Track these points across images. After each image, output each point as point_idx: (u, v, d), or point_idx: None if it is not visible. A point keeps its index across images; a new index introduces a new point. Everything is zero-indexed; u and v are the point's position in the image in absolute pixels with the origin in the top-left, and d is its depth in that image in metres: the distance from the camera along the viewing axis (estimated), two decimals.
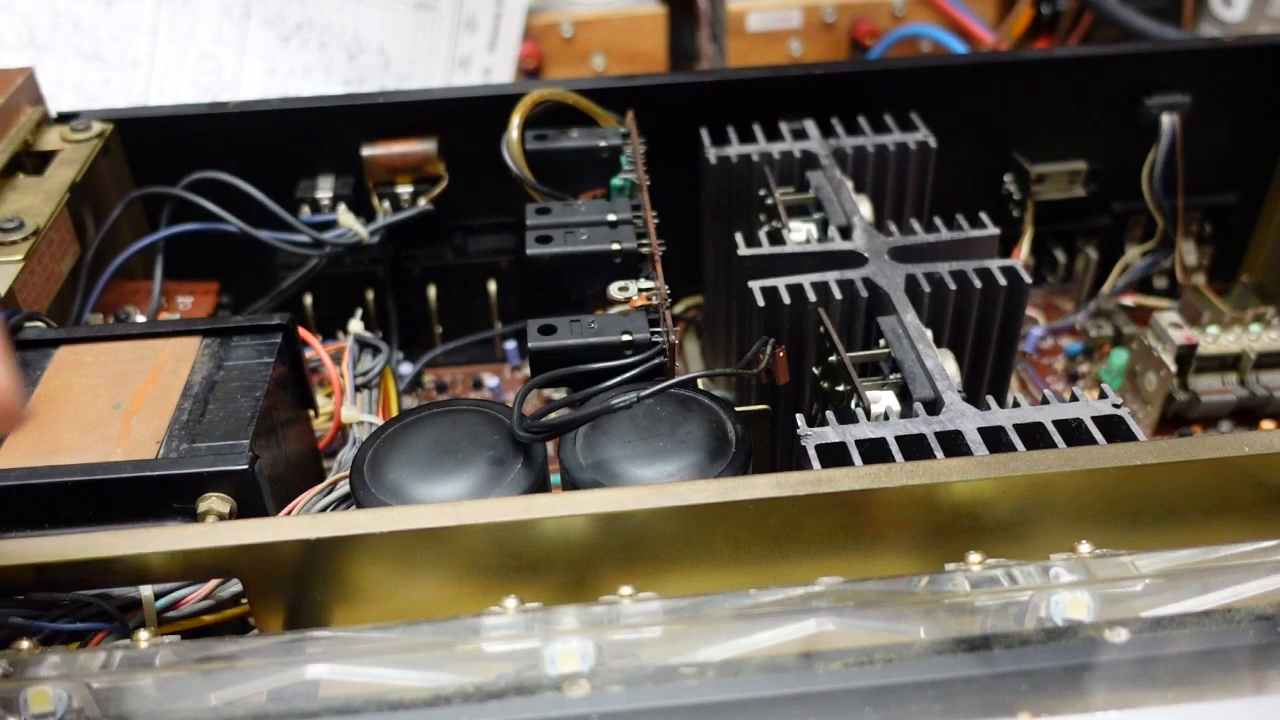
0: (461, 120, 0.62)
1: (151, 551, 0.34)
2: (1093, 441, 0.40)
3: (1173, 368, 0.60)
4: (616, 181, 0.54)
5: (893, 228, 0.52)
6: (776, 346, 0.43)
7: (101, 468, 0.40)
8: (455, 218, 0.66)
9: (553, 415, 0.42)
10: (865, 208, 0.55)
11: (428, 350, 0.69)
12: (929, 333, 0.47)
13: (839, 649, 0.32)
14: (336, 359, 0.55)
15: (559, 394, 0.56)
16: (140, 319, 0.59)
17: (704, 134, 0.59)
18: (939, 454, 0.39)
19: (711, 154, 0.58)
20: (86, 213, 0.58)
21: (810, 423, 0.41)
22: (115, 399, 0.44)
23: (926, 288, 0.48)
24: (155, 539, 0.35)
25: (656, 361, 0.43)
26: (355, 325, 0.61)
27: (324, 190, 0.63)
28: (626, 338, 0.44)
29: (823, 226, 0.54)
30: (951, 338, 0.50)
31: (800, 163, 0.58)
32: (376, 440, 0.42)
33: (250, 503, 0.41)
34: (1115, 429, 0.40)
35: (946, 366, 0.44)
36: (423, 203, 0.64)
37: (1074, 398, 0.42)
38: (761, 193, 0.57)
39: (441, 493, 0.39)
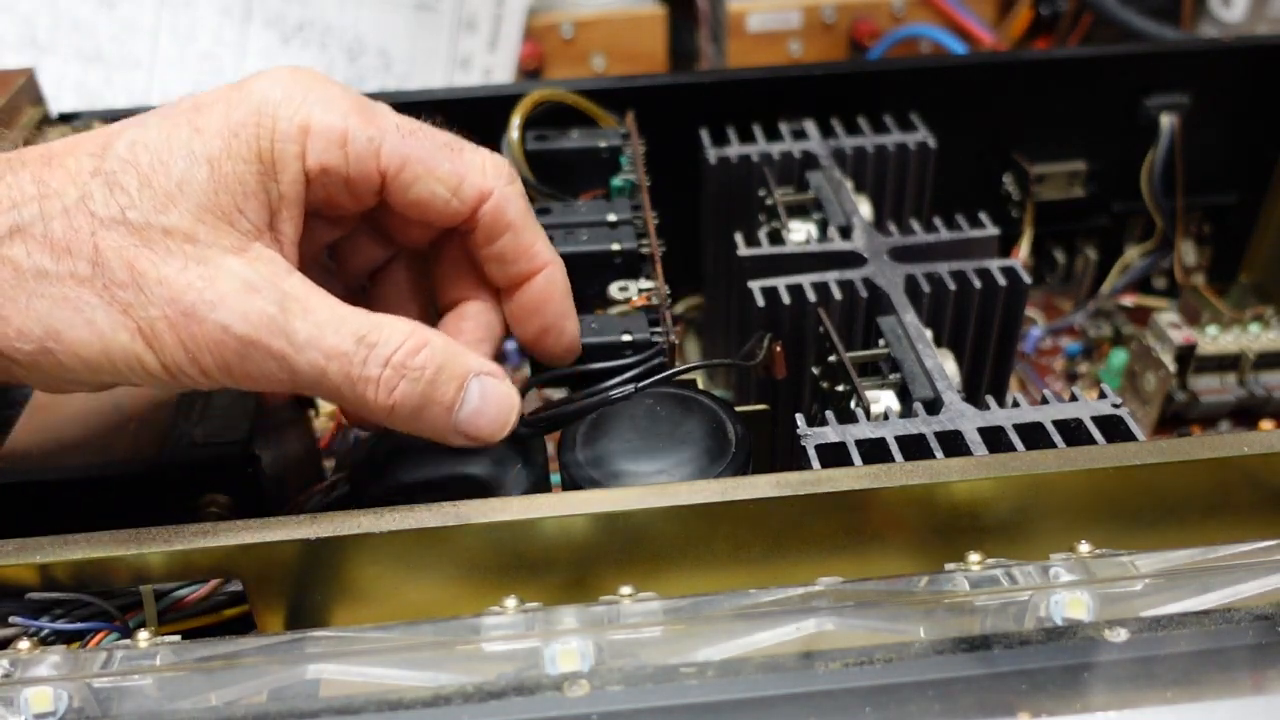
0: (461, 120, 0.62)
1: (151, 551, 0.34)
2: (1092, 441, 0.40)
3: (1172, 368, 0.60)
4: (616, 182, 0.54)
5: (892, 228, 0.53)
6: (773, 341, 0.43)
7: (102, 467, 0.40)
8: None
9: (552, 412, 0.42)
10: (865, 208, 0.55)
11: None
12: (929, 333, 0.47)
13: (839, 649, 0.32)
14: None
15: (558, 394, 0.56)
16: None
17: (704, 134, 0.59)
18: (939, 454, 0.39)
19: (711, 154, 0.58)
20: None
21: (810, 423, 0.41)
22: (116, 398, 0.44)
23: (926, 288, 0.48)
24: (155, 539, 0.35)
25: (656, 361, 0.43)
26: None
27: None
28: (626, 338, 0.44)
29: (822, 226, 0.54)
30: (951, 338, 0.50)
31: (800, 163, 0.58)
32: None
33: (250, 502, 0.41)
34: (1115, 429, 0.40)
35: (946, 366, 0.45)
36: None
37: (1073, 398, 0.42)
38: (761, 193, 0.57)
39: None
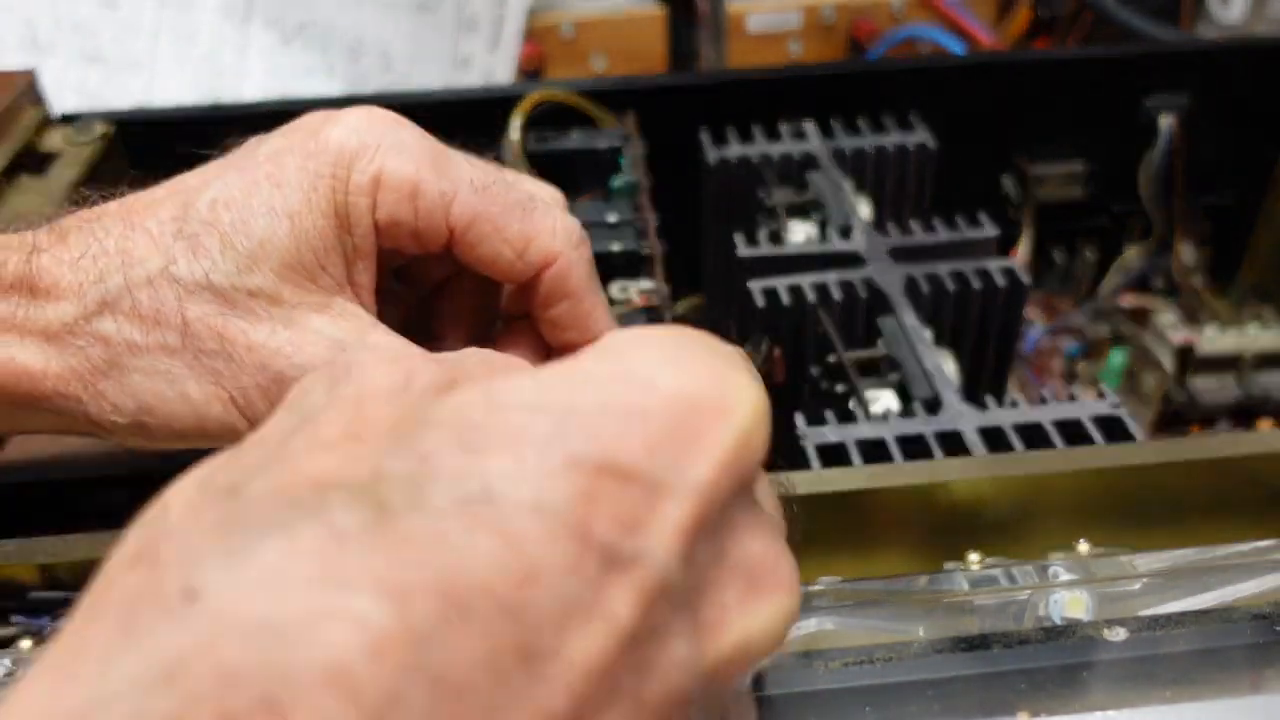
0: (462, 121, 0.62)
1: None
2: (1091, 441, 0.40)
3: (1171, 368, 0.60)
4: (616, 182, 0.54)
5: (892, 228, 0.53)
6: (772, 346, 0.43)
7: (105, 467, 0.41)
8: None
9: None
10: (865, 208, 0.55)
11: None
12: (928, 333, 0.47)
13: (839, 649, 0.32)
14: None
15: None
16: None
17: (704, 134, 0.60)
18: (938, 454, 0.39)
19: (711, 155, 0.58)
20: None
21: (810, 423, 0.41)
22: None
23: (926, 288, 0.49)
24: None
25: None
26: None
27: None
28: None
29: (822, 227, 0.54)
30: (951, 338, 0.50)
31: (800, 163, 0.58)
32: None
33: None
34: (1114, 429, 0.40)
35: (946, 367, 0.45)
36: None
37: (1072, 398, 0.42)
38: (761, 194, 0.57)
39: None
